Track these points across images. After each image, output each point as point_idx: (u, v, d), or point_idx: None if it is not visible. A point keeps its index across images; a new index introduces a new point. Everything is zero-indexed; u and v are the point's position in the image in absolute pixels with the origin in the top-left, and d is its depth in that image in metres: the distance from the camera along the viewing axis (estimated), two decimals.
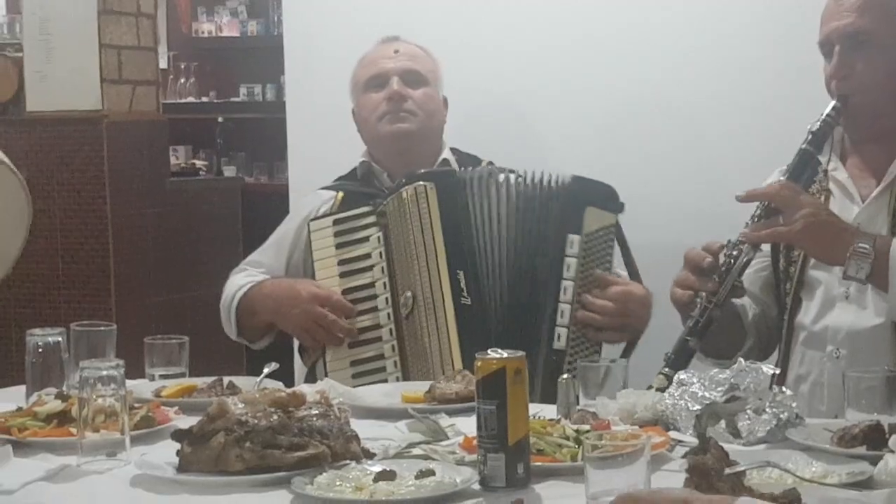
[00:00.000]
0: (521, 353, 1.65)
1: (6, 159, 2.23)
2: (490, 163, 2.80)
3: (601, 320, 2.52)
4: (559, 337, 2.51)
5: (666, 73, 3.13)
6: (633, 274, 2.63)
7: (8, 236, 2.25)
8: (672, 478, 1.60)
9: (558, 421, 1.83)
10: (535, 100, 3.24)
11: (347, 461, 1.68)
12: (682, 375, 1.92)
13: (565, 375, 2.00)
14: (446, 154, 2.83)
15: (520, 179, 2.61)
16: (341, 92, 2.95)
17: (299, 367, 2.91)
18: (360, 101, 2.85)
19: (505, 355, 1.64)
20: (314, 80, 3.55)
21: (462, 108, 2.97)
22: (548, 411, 1.94)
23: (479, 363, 1.64)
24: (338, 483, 1.61)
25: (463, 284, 2.54)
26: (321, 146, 3.48)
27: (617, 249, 2.61)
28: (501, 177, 2.61)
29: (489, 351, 1.65)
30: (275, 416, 1.72)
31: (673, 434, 1.82)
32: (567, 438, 1.72)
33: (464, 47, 3.21)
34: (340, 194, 2.80)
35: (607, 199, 2.61)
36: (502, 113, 3.28)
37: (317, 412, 1.75)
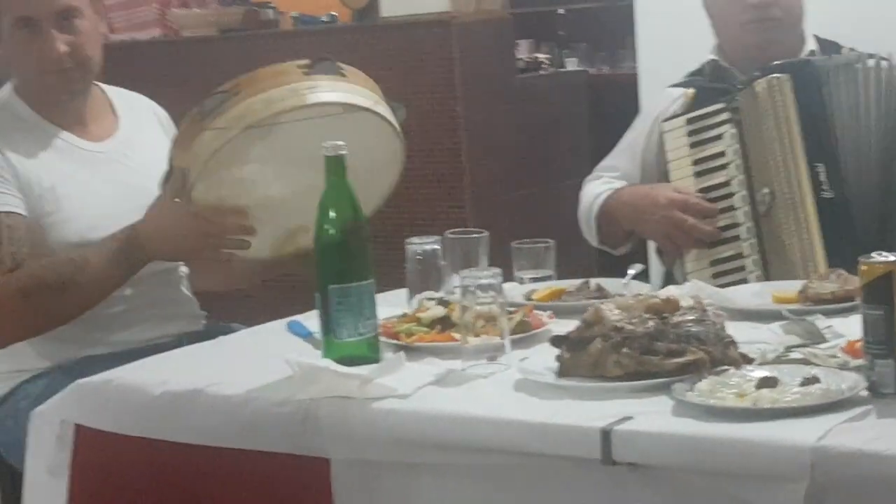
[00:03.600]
0: None
1: (378, 107, 2.28)
2: (851, 49, 2.68)
3: None
4: None
5: None
6: None
7: (381, 177, 2.31)
8: None
9: None
10: None
11: (726, 367, 1.68)
12: None
13: None
14: (811, 45, 2.72)
15: (883, 64, 2.49)
16: None
17: (655, 267, 2.91)
18: None
19: (891, 258, 1.57)
20: None
21: None
22: None
23: (863, 267, 1.58)
24: (719, 389, 1.60)
25: (823, 178, 2.46)
26: (670, 33, 3.42)
27: None
28: (871, 62, 2.50)
29: (873, 254, 1.60)
30: (651, 323, 1.73)
31: None
32: None
33: None
34: (691, 91, 2.74)
35: None
36: None
37: (692, 318, 1.74)
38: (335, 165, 1.88)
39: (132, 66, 4.58)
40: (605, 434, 1.54)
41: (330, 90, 2.23)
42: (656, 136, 2.71)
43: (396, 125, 2.30)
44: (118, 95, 2.57)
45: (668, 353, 1.69)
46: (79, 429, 1.94)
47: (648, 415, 1.57)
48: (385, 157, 2.29)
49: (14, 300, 2.27)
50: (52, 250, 2.34)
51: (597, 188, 2.75)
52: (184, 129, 2.28)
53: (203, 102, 2.21)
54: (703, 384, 1.62)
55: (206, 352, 2.12)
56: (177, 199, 2.24)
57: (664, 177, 2.68)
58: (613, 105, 5.05)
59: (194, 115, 2.22)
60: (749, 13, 2.66)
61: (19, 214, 2.31)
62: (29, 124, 2.41)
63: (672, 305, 1.77)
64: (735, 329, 1.82)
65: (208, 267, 2.46)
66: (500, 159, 4.51)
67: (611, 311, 1.76)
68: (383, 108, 2.28)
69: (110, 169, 2.45)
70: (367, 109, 2.23)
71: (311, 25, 4.81)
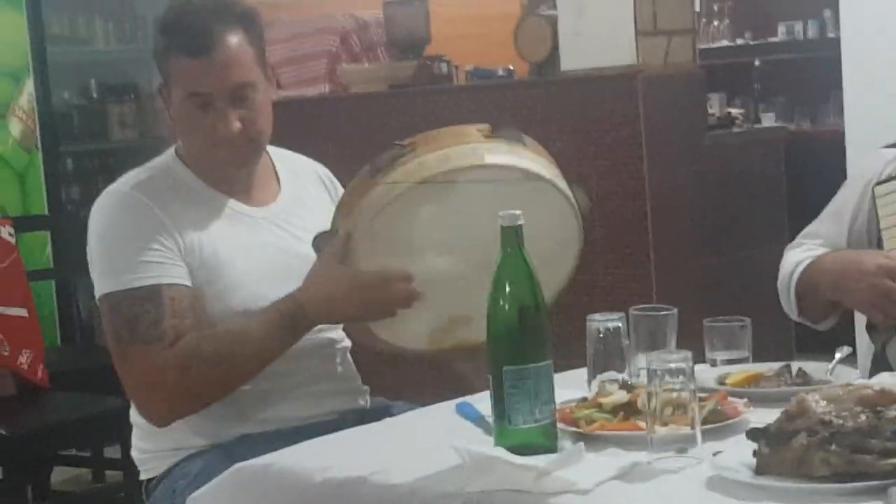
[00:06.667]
0: None
1: (558, 181, 2.27)
2: None
3: None
4: None
5: None
6: None
7: (556, 263, 2.28)
8: None
9: None
10: None
11: None
12: None
13: None
14: None
15: None
16: None
17: (864, 347, 2.80)
18: None
19: None
20: (873, 12, 3.38)
21: None
22: None
23: None
24: None
25: None
26: (881, 87, 3.33)
27: None
28: None
29: None
30: (863, 417, 1.65)
31: None
32: None
33: None
34: None
35: None
36: None
37: None
38: (511, 235, 1.86)
39: (300, 123, 4.68)
40: None
41: (509, 153, 2.23)
42: (868, 201, 2.62)
43: (575, 202, 2.28)
44: (281, 159, 2.61)
45: (883, 453, 1.61)
46: None
47: None
48: (562, 238, 2.27)
49: (173, 376, 2.31)
50: (215, 318, 2.38)
51: (798, 255, 2.68)
52: (351, 188, 2.30)
53: (375, 158, 2.23)
54: None
55: (370, 435, 2.11)
56: (336, 262, 2.27)
57: (876, 247, 2.60)
58: (815, 165, 4.96)
59: (364, 174, 2.25)
60: None
61: (183, 286, 2.36)
62: (192, 191, 2.46)
63: (888, 397, 1.69)
64: None
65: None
66: (688, 225, 4.43)
67: (817, 403, 1.69)
68: (563, 183, 2.27)
69: (273, 236, 2.48)
70: (546, 180, 2.21)
71: (486, 80, 4.84)
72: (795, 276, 2.64)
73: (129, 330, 2.33)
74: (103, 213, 2.41)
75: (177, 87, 2.41)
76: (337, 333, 2.53)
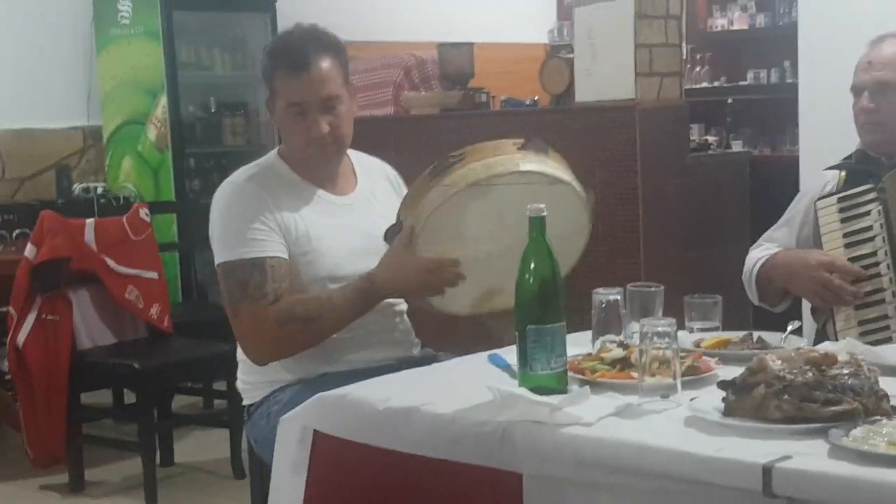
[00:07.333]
0: None
1: (574, 183, 2.25)
2: None
3: None
4: None
5: None
6: None
7: (571, 245, 2.29)
8: None
9: None
10: None
11: (879, 417, 1.57)
12: None
13: None
14: None
15: None
16: (849, 72, 2.75)
17: (809, 325, 2.78)
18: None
19: None
20: (825, 62, 3.35)
21: None
22: None
23: None
24: (872, 437, 1.50)
25: None
26: (830, 122, 3.29)
27: None
28: None
29: None
30: (810, 374, 1.64)
31: None
32: None
33: None
34: (843, 173, 2.65)
35: None
36: None
37: (848, 371, 1.64)
38: (537, 224, 1.85)
39: (371, 137, 4.67)
40: (767, 470, 1.47)
41: (538, 162, 2.22)
42: (812, 214, 2.62)
43: (587, 199, 2.28)
44: (358, 159, 2.62)
45: (825, 402, 1.60)
46: (316, 434, 1.95)
47: (806, 455, 1.50)
48: (575, 228, 2.28)
49: (273, 328, 2.32)
50: (307, 282, 2.39)
51: (758, 254, 2.69)
52: (414, 188, 2.29)
53: (434, 165, 2.22)
54: (858, 431, 1.52)
55: (422, 375, 2.11)
56: (403, 250, 2.26)
57: (819, 248, 2.58)
58: (772, 182, 4.91)
59: (424, 177, 2.24)
60: (861, 117, 2.60)
61: (282, 258, 2.36)
62: (291, 182, 2.46)
63: (830, 359, 1.67)
64: (887, 384, 1.71)
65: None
66: (672, 225, 4.41)
67: (774, 362, 1.68)
68: (578, 185, 2.26)
69: (351, 217, 2.48)
70: (567, 183, 2.21)
71: (516, 108, 4.82)
72: (755, 270, 2.64)
73: (239, 291, 2.34)
74: (224, 198, 2.42)
75: (280, 98, 2.42)
76: (397, 300, 2.53)
